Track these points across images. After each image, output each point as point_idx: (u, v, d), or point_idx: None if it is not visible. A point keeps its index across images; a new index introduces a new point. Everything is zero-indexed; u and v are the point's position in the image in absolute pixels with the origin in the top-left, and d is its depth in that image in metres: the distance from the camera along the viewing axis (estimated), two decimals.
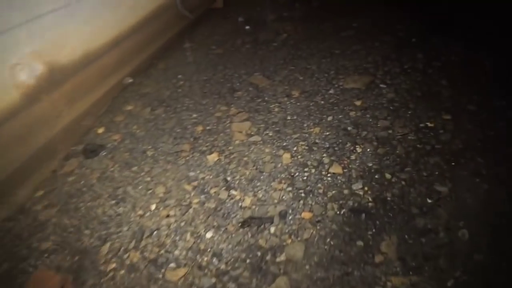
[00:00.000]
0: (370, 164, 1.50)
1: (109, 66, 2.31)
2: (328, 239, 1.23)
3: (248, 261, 1.19)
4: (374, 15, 2.96)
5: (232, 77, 2.28)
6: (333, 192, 1.40)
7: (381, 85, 2.02)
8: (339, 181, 1.44)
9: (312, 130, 1.74)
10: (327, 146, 1.63)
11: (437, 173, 1.43)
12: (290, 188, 1.43)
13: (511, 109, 1.70)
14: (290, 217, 1.32)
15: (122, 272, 1.18)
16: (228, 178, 1.51)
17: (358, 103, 1.89)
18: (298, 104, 1.95)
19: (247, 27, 3.07)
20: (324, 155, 1.58)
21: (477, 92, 1.87)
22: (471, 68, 2.07)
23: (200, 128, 1.83)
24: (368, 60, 2.29)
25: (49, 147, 1.75)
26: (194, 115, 1.94)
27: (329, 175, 1.48)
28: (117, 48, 2.42)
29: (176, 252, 1.23)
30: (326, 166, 1.52)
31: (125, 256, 1.23)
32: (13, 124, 1.68)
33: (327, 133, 1.70)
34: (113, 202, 1.45)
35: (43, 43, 1.86)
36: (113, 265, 1.20)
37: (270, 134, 1.74)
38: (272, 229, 1.28)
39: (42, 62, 1.86)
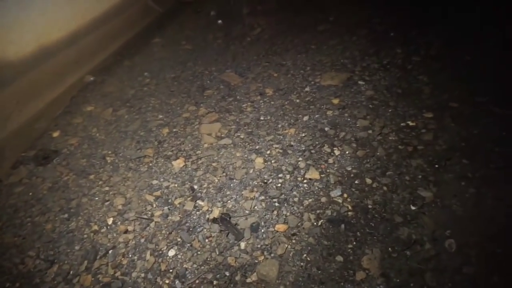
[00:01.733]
0: (349, 168, 1.39)
1: (67, 63, 2.13)
2: (305, 255, 1.11)
3: (215, 282, 1.05)
4: (351, 8, 2.85)
5: (202, 75, 2.13)
6: (310, 200, 1.28)
7: (360, 82, 1.91)
8: (316, 188, 1.32)
9: (287, 131, 1.61)
10: (303, 149, 1.50)
11: (420, 177, 1.32)
12: (262, 197, 1.30)
13: (494, 104, 1.62)
14: (262, 230, 1.19)
15: None
16: (195, 187, 1.36)
17: (335, 101, 1.77)
18: (272, 103, 1.82)
19: (220, 21, 2.91)
20: (300, 159, 1.45)
21: (458, 88, 1.78)
22: (451, 62, 1.99)
23: (165, 130, 1.68)
24: (345, 56, 2.18)
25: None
26: (160, 116, 1.79)
27: (305, 181, 1.35)
28: (77, 43, 2.23)
29: (134, 274, 1.08)
30: (302, 171, 1.39)
31: (75, 280, 1.08)
32: None
33: (303, 135, 1.58)
34: (65, 216, 1.29)
35: None
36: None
37: (242, 137, 1.60)
38: (243, 245, 1.15)
39: None
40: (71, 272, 1.10)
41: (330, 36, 2.45)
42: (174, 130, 1.68)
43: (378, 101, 1.75)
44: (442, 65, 1.96)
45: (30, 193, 1.40)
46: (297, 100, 1.81)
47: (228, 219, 1.22)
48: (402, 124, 1.58)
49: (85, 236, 1.21)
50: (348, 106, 1.73)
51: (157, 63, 2.32)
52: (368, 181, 1.33)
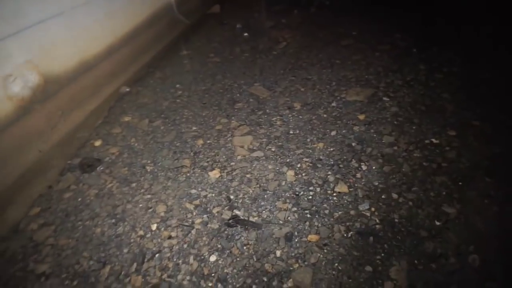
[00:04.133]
0: (376, 183, 1.47)
1: (104, 75, 2.26)
2: (336, 264, 1.19)
3: (254, 287, 1.15)
4: (373, 23, 2.94)
5: (231, 88, 2.24)
6: (340, 213, 1.36)
7: (384, 98, 1.99)
8: (345, 201, 1.41)
9: (315, 145, 1.70)
10: (332, 163, 1.59)
11: (444, 193, 1.40)
12: (295, 208, 1.39)
13: None
14: (296, 240, 1.28)
15: None
16: (231, 197, 1.46)
17: (361, 117, 1.86)
18: (300, 117, 1.91)
19: (245, 34, 3.03)
20: (329, 172, 1.54)
21: (480, 106, 1.85)
22: (471, 80, 2.06)
23: (200, 141, 1.79)
24: (369, 71, 2.27)
25: (44, 161, 1.70)
26: (194, 128, 1.90)
27: (334, 194, 1.44)
28: (113, 56, 2.37)
29: (179, 277, 1.18)
30: (332, 185, 1.48)
31: (126, 280, 1.18)
32: (6, 137, 1.63)
33: (331, 149, 1.67)
34: (112, 221, 1.40)
35: (37, 52, 1.81)
36: None
37: (273, 150, 1.70)
38: (278, 253, 1.24)
39: (36, 72, 1.80)
40: (122, 273, 1.21)
41: (354, 51, 2.54)
42: (208, 141, 1.79)
43: (403, 117, 1.83)
44: (463, 83, 2.04)
45: (79, 199, 1.51)
46: (324, 115, 1.90)
47: (240, 218, 1.33)
48: (426, 141, 1.66)
49: (132, 240, 1.32)
50: (374, 122, 1.81)
51: (187, 75, 2.44)
52: (394, 196, 1.41)
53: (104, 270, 1.22)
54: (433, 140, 1.66)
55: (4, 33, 1.62)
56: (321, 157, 1.63)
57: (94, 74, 2.19)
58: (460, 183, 1.43)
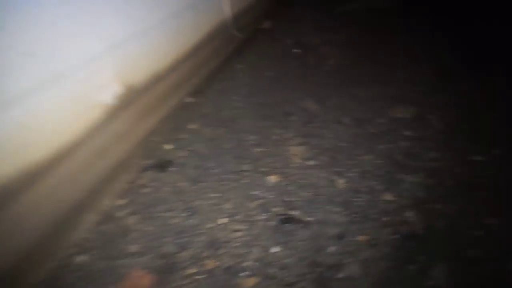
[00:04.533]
0: (420, 194, 1.63)
1: (171, 86, 2.55)
2: (383, 261, 1.36)
3: (310, 276, 1.34)
4: (418, 40, 3.08)
5: (284, 101, 2.46)
6: (386, 218, 1.53)
7: (429, 116, 2.13)
8: (391, 208, 1.57)
9: (363, 157, 1.88)
10: (379, 174, 1.76)
11: (485, 207, 1.53)
12: (346, 212, 1.57)
13: None
14: (346, 239, 1.46)
15: (201, 276, 1.36)
16: (289, 199, 1.67)
17: (407, 133, 2.01)
18: (349, 131, 2.09)
19: (296, 50, 3.25)
20: (376, 182, 1.71)
21: None
22: None
23: (259, 149, 2.01)
24: (415, 89, 2.42)
25: (126, 160, 1.98)
26: (252, 137, 2.12)
27: (381, 202, 1.61)
28: (178, 69, 2.65)
29: (247, 263, 1.40)
30: (379, 193, 1.65)
31: (202, 263, 1.41)
32: (96, 139, 1.92)
33: (378, 161, 1.84)
34: (186, 214, 1.64)
35: (123, 67, 2.10)
36: (193, 270, 1.38)
37: (324, 159, 1.89)
38: (331, 249, 1.43)
39: (121, 84, 2.10)
40: (198, 257, 1.43)
41: (400, 69, 2.69)
42: (266, 149, 2.00)
43: (448, 135, 1.96)
44: (508, 104, 2.14)
45: (156, 194, 1.77)
46: (372, 130, 2.07)
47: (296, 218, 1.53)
48: (470, 158, 1.79)
49: (204, 231, 1.55)
50: (420, 138, 1.96)
51: (243, 88, 2.68)
52: (437, 206, 1.56)
53: (183, 254, 1.46)
54: (477, 157, 1.79)
55: (101, 51, 1.92)
56: (369, 168, 1.80)
57: (163, 85, 2.48)
58: (501, 198, 1.56)
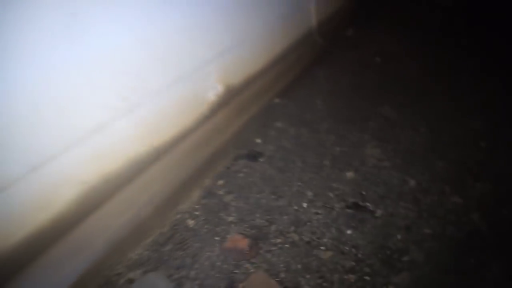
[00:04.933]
0: (489, 199, 1.78)
1: (262, 88, 2.90)
2: (446, 251, 1.56)
3: (379, 255, 1.58)
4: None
5: (363, 107, 2.68)
6: (452, 217, 1.71)
7: (505, 129, 2.23)
8: (459, 209, 1.75)
9: (436, 163, 2.05)
10: (450, 178, 1.93)
11: None
12: (415, 208, 1.78)
13: None
14: (414, 230, 1.68)
15: (287, 245, 1.67)
16: (363, 192, 1.91)
17: (482, 144, 2.14)
18: (424, 138, 2.27)
19: (377, 59, 3.42)
20: (446, 185, 1.89)
21: None
22: None
23: (338, 148, 2.27)
24: (490, 100, 2.50)
25: (224, 148, 2.36)
26: (333, 137, 2.38)
27: (449, 203, 1.79)
28: (268, 73, 2.99)
29: (325, 240, 1.68)
30: (447, 195, 1.83)
31: (288, 235, 1.72)
32: (202, 129, 2.33)
33: (451, 167, 2.00)
34: (273, 197, 1.96)
35: (225, 70, 2.49)
36: (279, 240, 1.70)
37: (398, 162, 2.10)
38: (399, 237, 1.65)
39: (222, 84, 2.49)
40: (283, 231, 1.75)
41: (478, 80, 2.76)
42: (345, 149, 2.26)
43: None
44: None
45: (248, 179, 2.12)
46: (446, 139, 2.22)
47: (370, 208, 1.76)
48: None
49: (289, 211, 1.86)
50: (493, 148, 2.08)
51: (325, 93, 2.94)
52: (504, 212, 1.71)
53: (271, 227, 1.78)
54: None
55: (209, 58, 2.32)
56: (440, 172, 1.98)
57: (255, 87, 2.84)
58: None
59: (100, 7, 1.47)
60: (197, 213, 1.90)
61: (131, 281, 1.54)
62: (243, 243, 1.65)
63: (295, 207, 1.88)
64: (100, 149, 1.64)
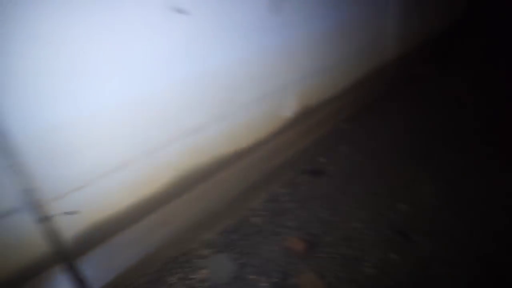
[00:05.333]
0: None
1: (333, 112, 3.14)
2: None
3: (415, 282, 1.77)
4: None
5: (427, 145, 2.82)
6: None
7: None
8: None
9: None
10: None
11: None
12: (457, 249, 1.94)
13: None
14: (453, 267, 1.83)
15: (337, 256, 1.91)
16: (412, 225, 2.09)
17: None
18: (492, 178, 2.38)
19: (451, 100, 3.50)
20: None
21: None
22: None
23: (396, 180, 2.46)
24: None
25: (290, 161, 2.65)
26: (393, 170, 2.56)
27: None
28: (341, 98, 3.23)
29: (370, 258, 1.90)
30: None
31: (339, 248, 1.96)
32: (275, 142, 2.62)
33: None
34: (330, 212, 2.21)
35: (303, 92, 2.78)
36: (331, 250, 1.94)
37: (453, 207, 2.24)
38: (439, 270, 1.82)
39: (299, 104, 2.78)
40: (335, 243, 1.99)
41: None
42: (402, 183, 2.44)
43: None
44: None
45: (309, 192, 2.38)
46: None
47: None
48: None
49: (343, 227, 2.09)
50: None
51: (393, 125, 3.12)
52: None
53: (325, 238, 2.03)
54: None
55: (291, 81, 2.62)
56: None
57: (327, 110, 3.09)
58: None
59: (211, 33, 1.83)
60: (261, 213, 2.20)
61: (203, 256, 1.88)
62: (300, 245, 1.92)
63: (348, 225, 2.11)
64: (194, 146, 2.00)
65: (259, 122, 2.40)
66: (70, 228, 1.59)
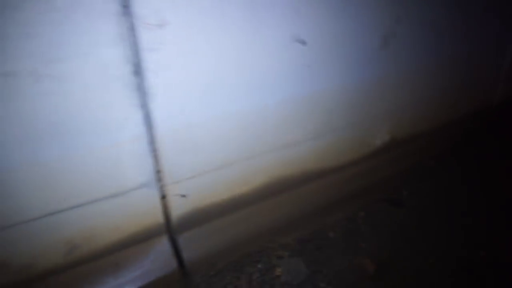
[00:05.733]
0: None
1: (424, 146, 3.15)
2: None
3: None
4: None
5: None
6: None
7: None
8: None
9: None
10: None
11: None
12: None
13: None
14: None
15: (405, 285, 2.01)
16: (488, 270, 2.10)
17: None
18: None
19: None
20: None
21: None
22: None
23: (474, 226, 2.44)
24: None
25: (372, 187, 2.76)
26: (464, 219, 2.53)
27: None
28: (433, 134, 3.22)
29: None
30: None
31: (408, 278, 2.05)
32: (360, 166, 2.75)
33: None
34: (404, 244, 2.29)
35: (396, 123, 2.86)
36: (400, 276, 2.04)
37: None
38: None
39: (390, 135, 2.87)
40: (405, 274, 2.08)
41: None
42: (474, 231, 2.42)
43: None
44: None
45: (386, 220, 2.48)
46: None
47: None
48: None
49: (415, 260, 2.17)
50: None
51: (483, 176, 3.03)
52: None
53: (396, 265, 2.13)
54: None
55: (387, 110, 2.74)
56: None
57: (417, 144, 3.12)
58: None
59: (321, 61, 2.07)
60: (337, 229, 2.37)
61: (278, 256, 2.11)
62: (371, 267, 2.05)
63: (420, 258, 2.18)
64: (287, 158, 2.25)
65: (348, 146, 2.58)
66: (179, 208, 1.93)
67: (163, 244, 1.97)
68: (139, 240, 1.90)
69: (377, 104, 2.61)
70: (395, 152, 2.96)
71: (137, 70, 1.48)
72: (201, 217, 2.03)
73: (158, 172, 1.76)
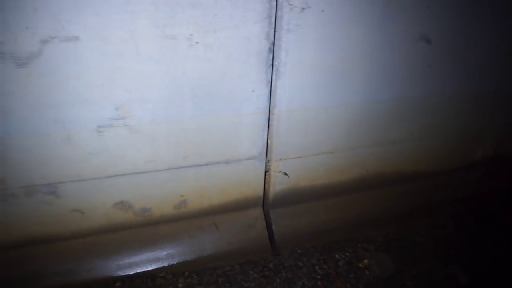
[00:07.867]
0: None
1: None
2: None
3: None
4: None
5: None
6: None
7: None
8: None
9: None
10: None
11: None
12: None
13: None
14: None
15: None
16: None
17: None
18: None
19: None
20: None
21: None
22: None
23: None
24: None
25: (466, 199, 2.64)
26: None
27: None
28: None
29: None
30: None
31: None
32: (459, 175, 2.64)
33: None
34: (495, 257, 2.18)
35: (500, 138, 2.70)
36: None
37: None
38: None
39: (492, 149, 2.72)
40: None
41: None
42: None
43: None
44: None
45: (482, 233, 2.36)
46: None
47: None
48: None
49: None
50: None
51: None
52: None
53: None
54: None
55: (490, 125, 2.59)
56: None
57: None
58: None
59: (445, 61, 2.02)
60: (425, 234, 2.32)
61: (366, 249, 2.13)
62: (464, 278, 1.99)
63: None
64: (386, 155, 2.25)
65: (447, 153, 2.50)
66: (278, 184, 2.03)
67: (258, 216, 2.08)
68: (238, 208, 2.03)
69: (486, 115, 2.49)
70: (495, 168, 2.81)
71: (273, 48, 1.57)
72: (296, 197, 2.11)
73: (268, 147, 1.86)
